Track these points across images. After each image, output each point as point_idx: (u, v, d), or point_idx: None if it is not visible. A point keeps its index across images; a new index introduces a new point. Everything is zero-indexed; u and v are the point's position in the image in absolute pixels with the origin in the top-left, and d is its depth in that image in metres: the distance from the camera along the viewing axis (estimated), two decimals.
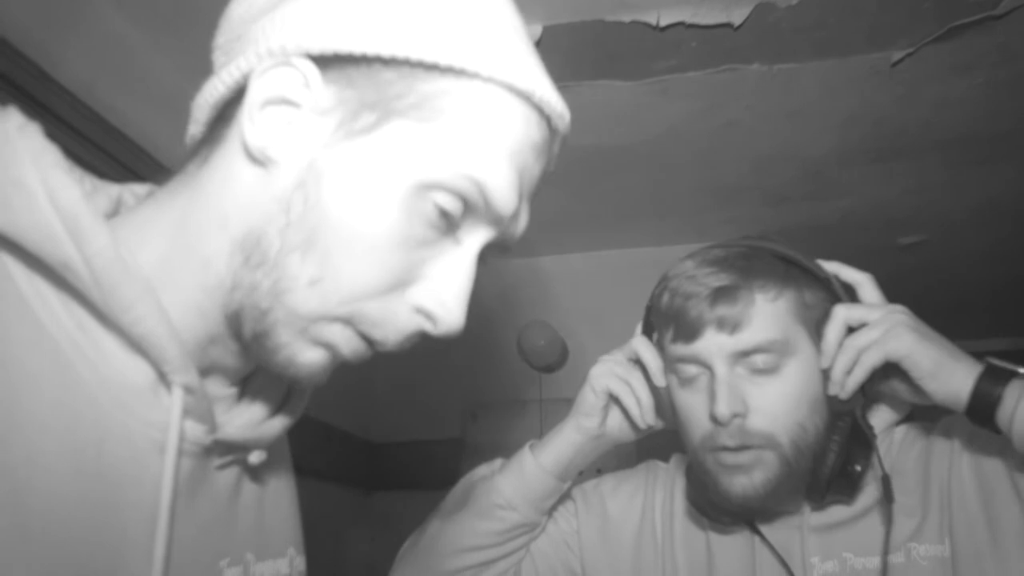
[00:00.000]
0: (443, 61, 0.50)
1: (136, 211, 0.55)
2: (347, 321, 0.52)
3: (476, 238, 0.54)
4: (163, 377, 0.51)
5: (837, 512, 0.94)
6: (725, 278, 0.91)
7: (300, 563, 0.66)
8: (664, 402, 1.00)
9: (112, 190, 0.58)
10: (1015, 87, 1.66)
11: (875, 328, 0.87)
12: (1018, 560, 0.83)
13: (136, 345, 0.49)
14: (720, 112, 1.73)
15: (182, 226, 0.53)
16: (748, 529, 0.97)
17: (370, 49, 0.50)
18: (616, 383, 0.99)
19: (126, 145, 1.44)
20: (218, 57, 0.57)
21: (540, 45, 1.45)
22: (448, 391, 2.40)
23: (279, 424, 0.60)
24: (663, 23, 1.39)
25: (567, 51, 1.48)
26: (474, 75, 0.51)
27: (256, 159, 0.51)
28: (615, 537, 1.04)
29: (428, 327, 0.53)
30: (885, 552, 0.88)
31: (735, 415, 0.88)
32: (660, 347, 0.99)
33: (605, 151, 1.90)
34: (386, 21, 0.50)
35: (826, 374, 0.90)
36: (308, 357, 0.52)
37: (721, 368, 0.89)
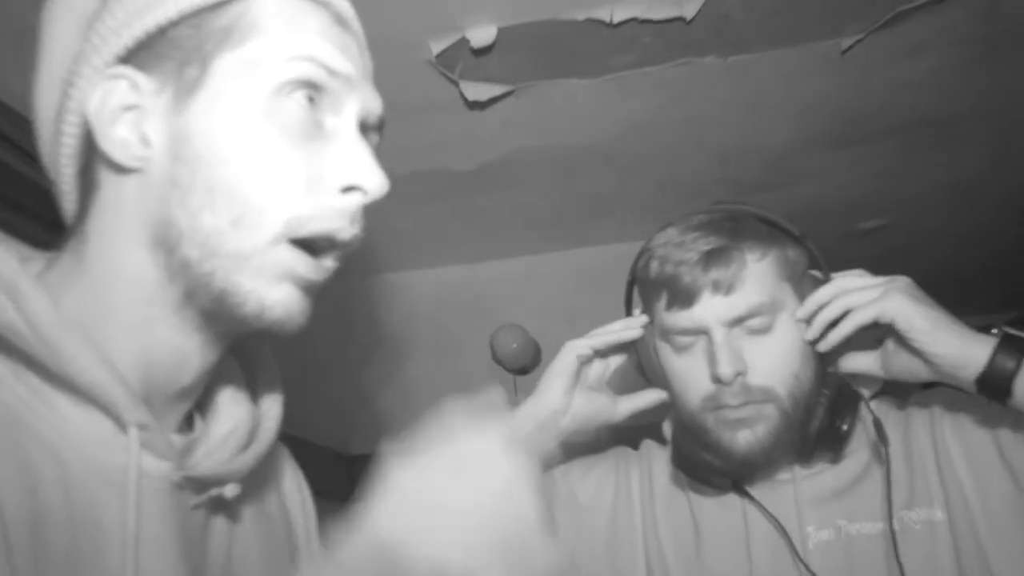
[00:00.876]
0: None
1: (52, 270, 0.57)
2: (291, 239, 0.53)
3: (347, 112, 0.57)
4: (119, 422, 0.52)
5: (830, 480, 0.94)
6: (715, 241, 0.91)
7: None
8: (647, 365, 1.00)
9: (39, 261, 0.60)
10: (964, 69, 1.70)
11: (872, 288, 0.88)
12: (1008, 524, 0.85)
13: (87, 396, 0.50)
14: (679, 106, 1.74)
15: (96, 269, 0.55)
16: (739, 496, 0.96)
17: (155, 23, 0.52)
18: (590, 340, 0.99)
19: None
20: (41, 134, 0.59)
21: (495, 47, 1.45)
22: (423, 397, 2.39)
23: (251, 456, 0.60)
24: (616, 19, 1.39)
25: (524, 51, 1.48)
26: None
27: (129, 168, 0.54)
28: (587, 524, 1.02)
29: (360, 198, 0.56)
30: (888, 503, 0.89)
31: (738, 373, 0.89)
32: (650, 316, 0.98)
33: (568, 150, 1.90)
34: None
35: (803, 325, 0.92)
36: (277, 295, 0.54)
37: (719, 331, 0.90)
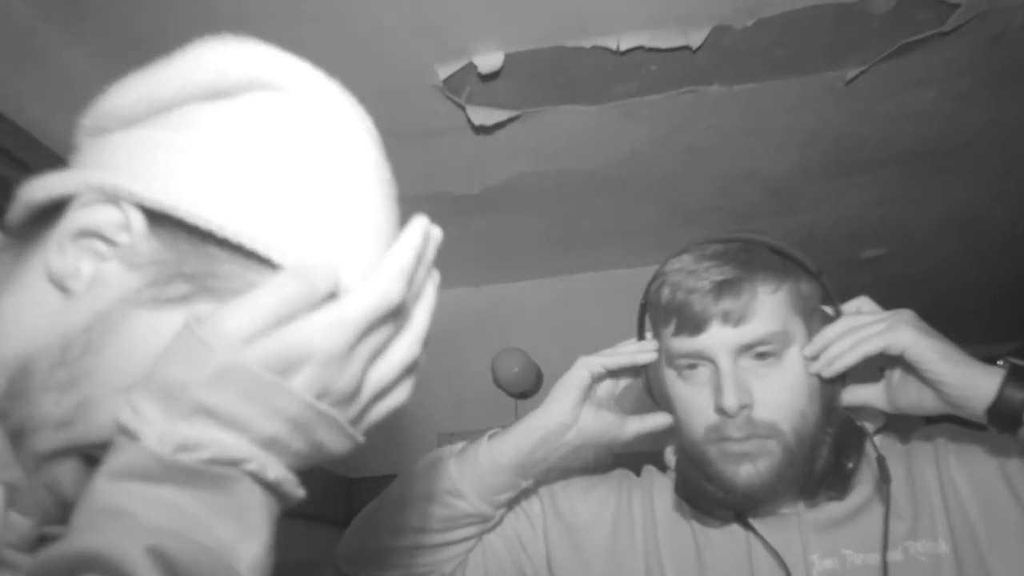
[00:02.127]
0: (286, 261, 0.47)
1: None
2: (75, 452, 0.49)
3: None
4: None
5: (834, 509, 0.93)
6: (728, 272, 0.91)
7: None
8: (655, 389, 0.99)
9: None
10: (967, 100, 1.71)
11: (880, 322, 0.88)
12: (1017, 554, 0.85)
13: None
14: (682, 134, 1.75)
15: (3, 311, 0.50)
16: (742, 527, 0.96)
17: (209, 223, 0.46)
18: (603, 359, 0.98)
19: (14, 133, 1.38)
20: (80, 141, 0.55)
21: (502, 73, 1.46)
22: (424, 421, 2.38)
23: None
24: (623, 47, 1.40)
25: (529, 78, 1.49)
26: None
27: (56, 285, 0.49)
28: (587, 541, 1.01)
29: None
30: (885, 537, 0.88)
31: (743, 406, 0.88)
32: (659, 341, 0.98)
33: (571, 176, 1.91)
34: (233, 197, 0.47)
35: (810, 361, 0.91)
36: (49, 477, 0.50)
37: (726, 361, 0.89)
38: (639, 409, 1.04)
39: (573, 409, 0.97)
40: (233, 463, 0.43)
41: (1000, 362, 0.85)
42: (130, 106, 0.51)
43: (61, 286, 0.48)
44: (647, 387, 1.03)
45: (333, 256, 0.49)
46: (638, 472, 1.10)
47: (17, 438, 0.48)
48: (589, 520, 1.03)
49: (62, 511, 0.54)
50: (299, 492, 0.47)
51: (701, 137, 1.77)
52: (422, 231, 0.49)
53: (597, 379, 0.99)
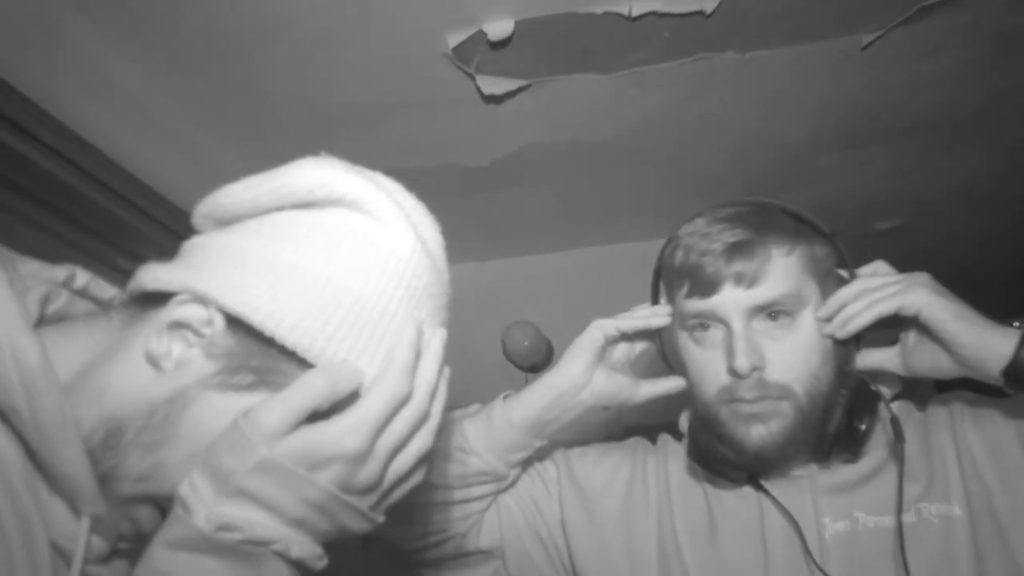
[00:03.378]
0: (330, 366, 0.58)
1: (72, 332, 0.63)
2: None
3: None
4: (75, 508, 0.58)
5: (847, 472, 0.94)
6: (740, 233, 0.91)
7: None
8: (669, 353, 1.00)
9: (41, 288, 0.65)
10: (983, 68, 1.68)
11: (895, 284, 0.88)
12: None
13: (59, 481, 0.56)
14: (695, 102, 1.73)
15: (90, 368, 0.60)
16: (754, 489, 0.96)
17: (274, 332, 0.56)
18: (617, 321, 0.98)
19: (94, 156, 1.42)
20: (199, 226, 0.66)
21: (512, 41, 1.44)
22: None
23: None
24: (635, 13, 1.38)
25: (540, 45, 1.47)
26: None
27: (150, 362, 0.59)
28: (601, 506, 1.02)
29: None
30: (899, 496, 0.88)
31: (754, 368, 0.88)
32: (672, 305, 0.98)
33: (582, 147, 1.89)
34: (299, 309, 0.57)
35: (824, 323, 0.91)
36: (124, 527, 0.61)
37: (738, 323, 0.90)
38: (653, 374, 1.04)
39: (586, 370, 0.98)
40: (263, 543, 0.53)
41: (1016, 323, 0.84)
42: (237, 208, 0.62)
43: (154, 364, 0.58)
44: (661, 351, 1.03)
45: (376, 366, 0.59)
46: (654, 441, 1.10)
47: (104, 481, 0.58)
48: (603, 485, 1.03)
49: (139, 537, 0.65)
50: (321, 563, 0.57)
51: (714, 106, 1.75)
52: (438, 341, 0.62)
53: (611, 342, 0.99)
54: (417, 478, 0.61)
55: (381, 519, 0.60)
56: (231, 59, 1.41)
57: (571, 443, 1.12)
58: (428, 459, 0.61)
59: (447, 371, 0.64)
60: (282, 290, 0.57)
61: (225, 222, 0.63)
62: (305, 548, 0.56)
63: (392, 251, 0.61)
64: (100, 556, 0.60)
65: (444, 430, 1.00)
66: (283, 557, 0.55)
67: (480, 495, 0.99)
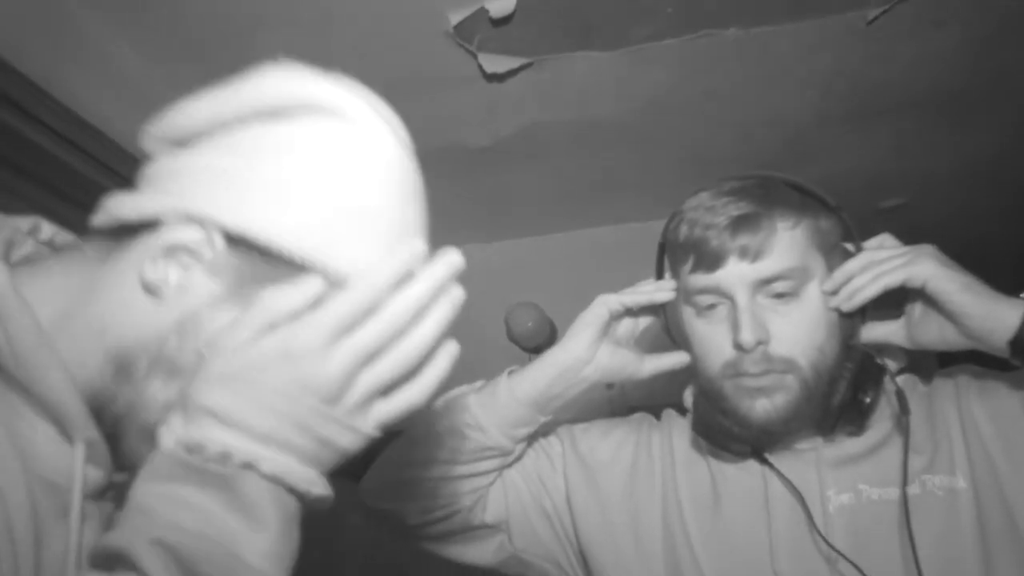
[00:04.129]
0: (324, 269, 0.56)
1: (45, 269, 0.61)
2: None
3: None
4: (66, 434, 0.55)
5: (851, 445, 0.94)
6: (745, 207, 0.90)
7: None
8: (673, 328, 0.99)
9: (4, 232, 0.63)
10: (990, 41, 1.66)
11: (901, 255, 0.87)
12: None
13: (45, 408, 0.54)
14: (699, 80, 1.72)
15: (77, 305, 0.58)
16: (758, 462, 0.96)
17: (277, 243, 0.55)
18: (622, 296, 0.98)
19: (96, 137, 1.42)
20: (153, 148, 0.62)
21: (514, 18, 1.43)
22: None
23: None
24: None
25: (542, 23, 1.46)
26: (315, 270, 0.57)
27: (148, 290, 0.57)
28: (606, 481, 1.02)
29: None
30: (904, 468, 0.88)
31: (759, 342, 0.88)
32: (677, 280, 0.98)
33: (585, 126, 1.88)
34: (294, 218, 0.56)
35: (830, 296, 0.91)
36: (143, 451, 0.57)
37: (743, 297, 0.89)
38: (657, 350, 1.04)
39: (590, 346, 0.98)
40: (227, 459, 0.50)
41: (1023, 295, 0.84)
42: (197, 125, 0.60)
43: (153, 292, 0.57)
44: (665, 327, 1.03)
45: (369, 262, 0.56)
46: (659, 418, 1.11)
47: (129, 414, 0.57)
48: (608, 460, 1.04)
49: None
50: (316, 488, 0.53)
51: (718, 83, 1.73)
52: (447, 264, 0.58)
53: (615, 317, 0.99)
54: (414, 395, 0.57)
55: (371, 431, 0.55)
56: (231, 41, 1.40)
57: (575, 422, 1.12)
58: (426, 373, 0.57)
59: (454, 299, 0.60)
60: (279, 204, 0.56)
61: (184, 141, 0.60)
62: (280, 465, 0.51)
63: (380, 155, 0.60)
64: (96, 489, 0.58)
65: (451, 406, 1.00)
66: (262, 477, 0.51)
67: (485, 470, 0.99)
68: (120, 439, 0.58)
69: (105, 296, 0.58)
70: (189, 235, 0.56)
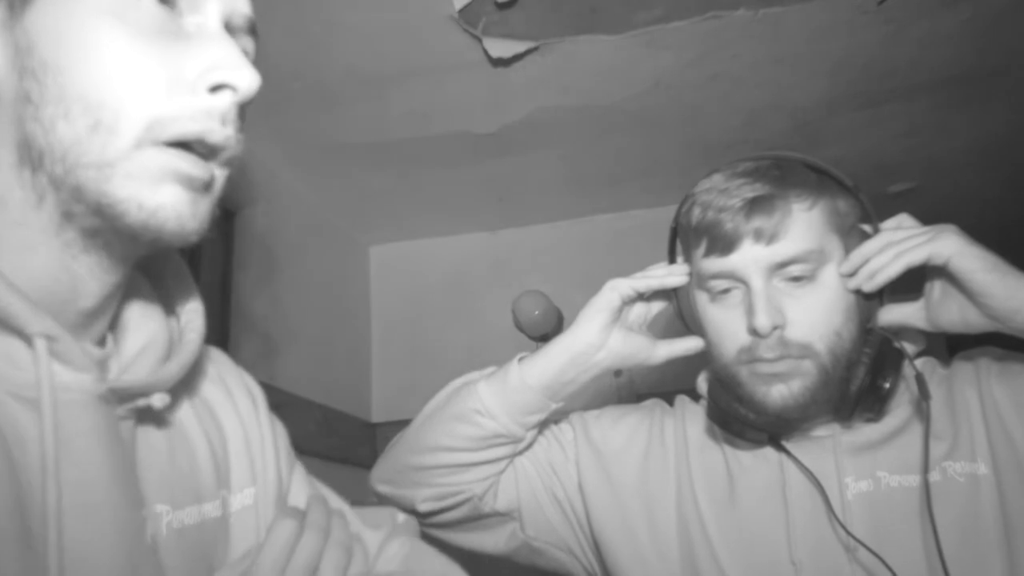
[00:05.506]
0: None
1: None
2: (157, 138, 0.50)
3: (206, 10, 0.54)
4: (24, 336, 0.49)
5: (870, 432, 0.92)
6: (760, 188, 0.88)
7: (244, 498, 0.65)
8: (686, 313, 0.98)
9: None
10: (1002, 21, 1.64)
11: (922, 234, 0.85)
12: None
13: None
14: (706, 63, 1.70)
15: None
16: (775, 449, 0.94)
17: None
18: (633, 281, 0.96)
19: None
20: None
21: (519, 1, 1.41)
22: (445, 367, 2.37)
23: (175, 366, 0.58)
24: None
25: (548, 6, 1.44)
26: None
27: None
28: (619, 468, 1.01)
29: (230, 96, 0.52)
30: (925, 455, 0.86)
31: (775, 327, 0.86)
32: (689, 264, 0.96)
33: (591, 111, 1.86)
34: None
35: (847, 278, 0.89)
36: (159, 198, 0.50)
37: (758, 281, 0.87)
38: (670, 335, 1.02)
39: (601, 331, 0.96)
40: None
41: None
42: None
43: None
44: (678, 312, 1.01)
45: None
46: (671, 404, 1.09)
47: (68, 215, 0.49)
48: (621, 447, 1.02)
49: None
50: None
51: (726, 66, 1.71)
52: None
53: (627, 302, 0.97)
54: None
55: None
56: None
57: (585, 408, 1.11)
58: None
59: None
60: None
61: None
62: None
63: None
64: (88, 397, 0.51)
65: (460, 393, 0.99)
66: None
67: (496, 457, 0.98)
68: (109, 209, 0.49)
69: None
70: None
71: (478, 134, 1.92)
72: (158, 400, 0.55)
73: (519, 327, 2.35)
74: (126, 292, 0.59)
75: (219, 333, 1.67)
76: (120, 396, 0.53)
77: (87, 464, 0.50)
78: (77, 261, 0.52)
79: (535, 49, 1.57)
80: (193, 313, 0.63)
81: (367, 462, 2.25)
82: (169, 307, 0.63)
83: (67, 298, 0.53)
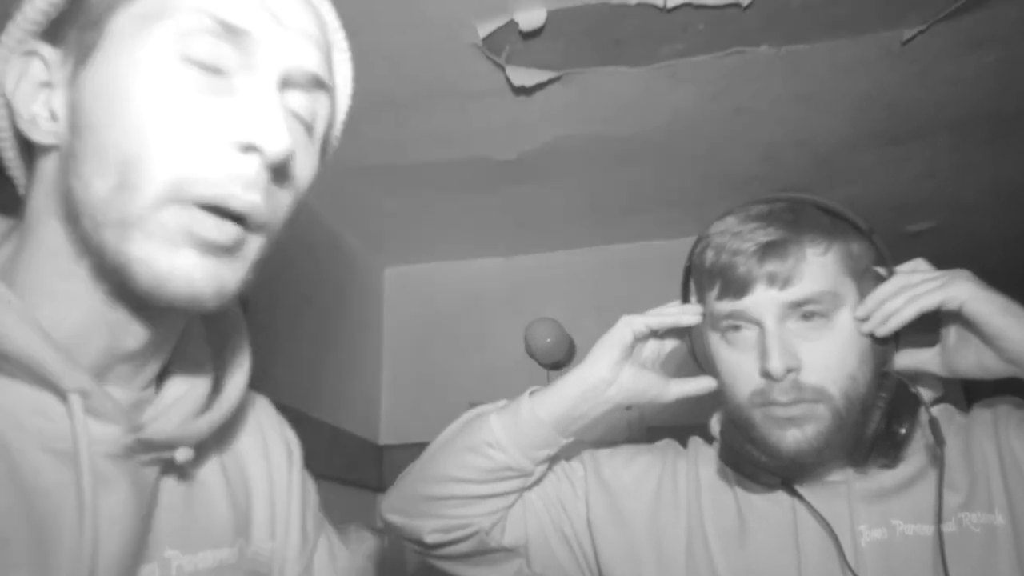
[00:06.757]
0: None
1: (7, 241, 0.57)
2: (178, 199, 0.49)
3: (261, 73, 0.53)
4: (58, 391, 0.50)
5: (884, 479, 0.91)
6: (774, 232, 0.89)
7: (259, 551, 0.64)
8: (700, 354, 0.97)
9: None
10: None
11: (936, 279, 0.85)
12: None
13: (22, 367, 0.48)
14: (728, 98, 1.70)
15: (32, 243, 0.54)
16: (788, 494, 0.93)
17: None
18: (647, 318, 0.96)
19: None
20: None
21: (544, 31, 1.41)
22: (455, 391, 2.36)
23: (205, 422, 0.58)
24: (670, 4, 1.35)
25: (572, 37, 1.45)
26: None
27: (48, 147, 0.52)
28: (629, 508, 1.00)
29: (258, 160, 0.51)
30: (939, 502, 0.85)
31: (789, 370, 0.86)
32: (703, 305, 0.96)
33: (611, 141, 1.86)
34: None
35: (862, 322, 0.88)
36: (173, 262, 0.50)
37: (771, 323, 0.87)
38: (684, 374, 1.01)
39: (613, 367, 0.95)
40: None
41: None
42: None
43: (45, 141, 0.52)
44: (691, 352, 1.01)
45: None
46: (683, 443, 1.08)
47: (99, 269, 0.51)
48: (632, 486, 1.01)
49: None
50: None
51: (747, 101, 1.71)
52: None
53: (640, 338, 0.97)
54: None
55: None
56: None
57: (594, 444, 1.10)
58: None
59: None
60: None
61: None
62: None
63: None
64: (115, 448, 0.51)
65: (472, 425, 0.99)
66: None
67: (505, 491, 0.97)
68: (126, 268, 0.50)
69: (36, 197, 0.54)
70: (19, 71, 0.53)
71: (497, 160, 1.92)
72: (181, 455, 0.56)
73: (531, 354, 2.34)
74: (182, 337, 0.59)
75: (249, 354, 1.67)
76: (145, 447, 0.54)
77: (112, 515, 0.50)
78: (116, 312, 0.53)
79: (557, 79, 1.58)
80: (239, 369, 0.63)
81: (373, 484, 2.25)
82: (220, 357, 0.63)
83: (107, 345, 0.54)
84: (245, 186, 0.51)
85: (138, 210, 0.49)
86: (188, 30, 0.50)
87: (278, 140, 0.50)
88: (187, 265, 0.49)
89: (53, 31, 0.53)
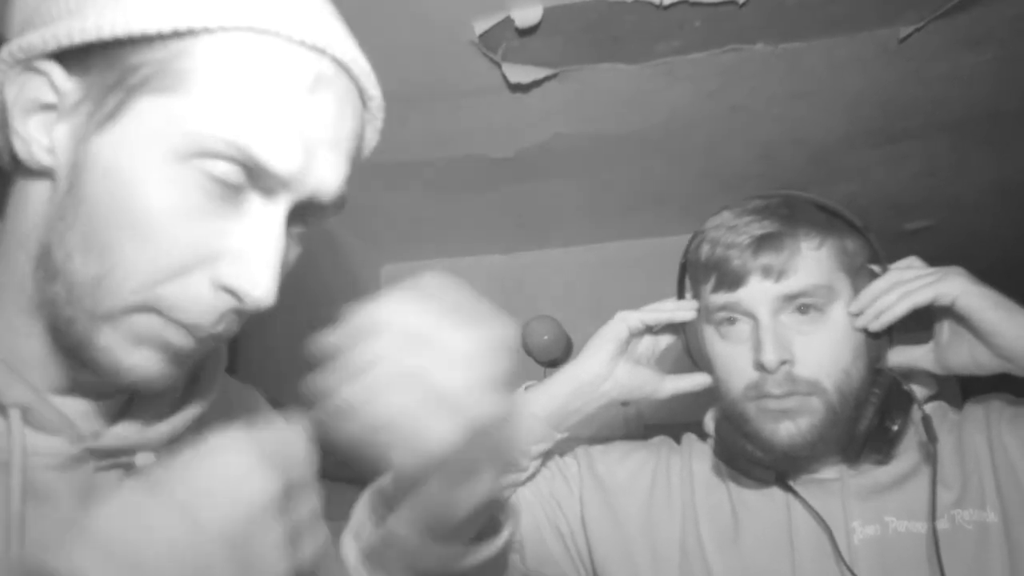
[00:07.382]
0: (164, 27, 0.47)
1: None
2: (152, 310, 0.49)
3: (276, 202, 0.50)
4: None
5: (878, 475, 0.91)
6: (769, 226, 0.89)
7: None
8: (694, 349, 0.98)
9: None
10: None
11: (929, 275, 0.86)
12: None
13: None
14: (725, 95, 1.70)
15: (1, 266, 0.52)
16: (782, 490, 0.94)
17: (92, 34, 0.47)
18: (642, 314, 0.97)
19: None
20: None
21: (540, 28, 1.41)
22: None
23: (167, 428, 0.57)
24: (667, 1, 1.35)
25: (568, 34, 1.45)
26: (204, 30, 0.48)
27: (36, 172, 0.50)
28: (623, 504, 1.00)
29: (236, 304, 0.50)
30: (933, 500, 0.85)
31: (783, 362, 0.86)
32: (698, 300, 0.97)
33: (608, 138, 1.86)
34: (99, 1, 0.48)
35: (856, 317, 0.89)
36: (135, 359, 0.50)
37: (765, 316, 0.88)
38: (679, 371, 1.02)
39: (608, 362, 0.96)
40: None
41: None
42: None
43: (40, 169, 0.50)
44: (686, 348, 1.02)
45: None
46: (678, 441, 1.09)
47: (55, 330, 0.50)
48: (626, 483, 1.02)
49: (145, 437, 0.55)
50: None
51: (744, 99, 1.71)
52: None
53: (635, 334, 0.98)
54: None
55: None
56: None
57: (590, 441, 1.10)
58: None
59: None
60: None
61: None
62: None
63: None
64: (58, 460, 0.51)
65: None
66: None
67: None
68: (86, 349, 0.50)
69: (12, 214, 0.52)
70: (26, 86, 0.49)
71: (494, 158, 1.92)
72: (141, 459, 0.55)
73: (528, 351, 2.34)
74: None
75: (227, 344, 1.67)
76: (99, 455, 0.54)
77: (53, 522, 0.50)
78: (67, 355, 0.52)
79: (554, 76, 1.58)
80: (208, 382, 0.62)
81: (363, 480, 2.25)
82: (197, 371, 0.62)
83: (68, 371, 0.53)
84: (217, 320, 0.50)
85: (110, 310, 0.48)
86: (214, 154, 0.47)
87: (262, 294, 0.49)
88: (148, 362, 0.50)
89: (68, 59, 0.49)
